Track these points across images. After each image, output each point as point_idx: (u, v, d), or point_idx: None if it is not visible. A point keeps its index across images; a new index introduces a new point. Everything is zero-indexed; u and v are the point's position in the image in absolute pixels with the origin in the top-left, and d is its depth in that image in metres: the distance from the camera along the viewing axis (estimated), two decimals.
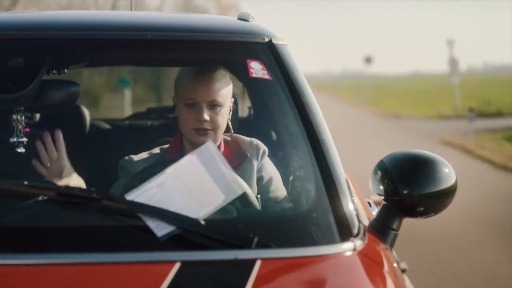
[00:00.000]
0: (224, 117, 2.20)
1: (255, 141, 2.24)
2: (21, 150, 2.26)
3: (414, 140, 16.66)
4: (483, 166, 11.56)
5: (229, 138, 2.25)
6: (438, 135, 16.84)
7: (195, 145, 2.14)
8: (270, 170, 2.19)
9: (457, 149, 13.96)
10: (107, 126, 3.73)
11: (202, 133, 2.17)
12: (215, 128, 2.18)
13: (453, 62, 26.00)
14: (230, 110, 2.25)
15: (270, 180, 2.17)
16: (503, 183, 10.00)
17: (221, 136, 2.22)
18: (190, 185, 1.78)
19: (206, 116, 2.16)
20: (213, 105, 2.18)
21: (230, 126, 2.25)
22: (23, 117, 2.28)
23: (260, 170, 2.18)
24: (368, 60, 43.10)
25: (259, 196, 2.13)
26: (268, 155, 2.24)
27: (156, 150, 2.24)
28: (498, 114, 22.53)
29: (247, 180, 2.13)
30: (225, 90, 2.21)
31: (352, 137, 16.21)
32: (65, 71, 2.69)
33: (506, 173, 10.77)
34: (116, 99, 14.86)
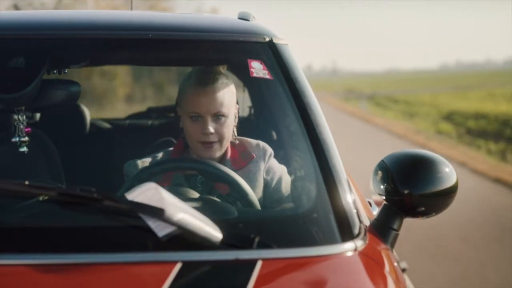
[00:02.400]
0: (229, 127, 2.19)
1: (262, 143, 2.24)
2: (23, 149, 2.26)
3: None
4: (330, 107, 31.40)
5: (236, 141, 2.24)
6: (322, 98, 38.41)
7: (201, 156, 2.15)
8: (278, 169, 2.19)
9: (324, 102, 34.51)
10: (107, 125, 3.73)
11: (208, 146, 2.16)
12: (220, 140, 2.18)
13: (334, 71, 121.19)
14: (236, 117, 2.25)
15: (280, 179, 2.17)
16: (338, 112, 27.55)
17: (227, 145, 2.22)
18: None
19: (211, 129, 2.15)
20: (218, 116, 2.17)
21: (235, 132, 2.25)
22: (24, 117, 2.27)
23: (268, 171, 2.18)
24: (308, 68, 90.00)
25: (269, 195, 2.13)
26: None
27: (160, 154, 2.24)
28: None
29: (253, 181, 2.13)
30: (229, 99, 2.20)
31: None
32: (66, 71, 2.69)
33: (337, 109, 30.66)
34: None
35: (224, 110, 2.17)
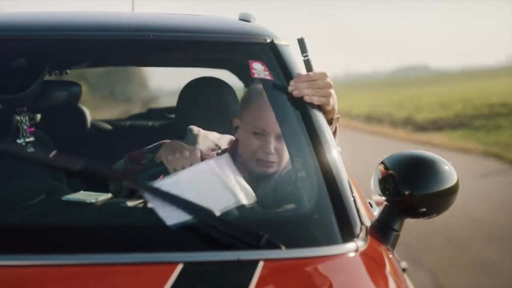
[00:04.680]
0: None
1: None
2: (30, 150, 2.26)
3: None
4: None
5: None
6: None
7: (253, 172, 2.13)
8: None
9: None
10: (108, 126, 3.73)
11: (266, 165, 2.14)
12: (279, 161, 2.16)
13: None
14: None
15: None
16: None
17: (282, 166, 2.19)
18: (203, 186, 1.77)
19: (273, 149, 2.14)
20: (281, 137, 2.13)
21: None
22: (27, 118, 2.27)
23: None
24: None
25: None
26: None
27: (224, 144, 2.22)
28: None
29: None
30: None
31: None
32: (67, 72, 2.69)
33: None
34: None
35: None
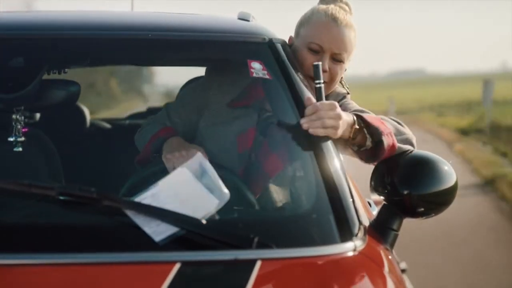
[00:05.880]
0: (341, 73, 2.18)
1: (338, 88, 2.24)
2: (18, 149, 2.25)
3: None
4: None
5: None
6: None
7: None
8: (352, 106, 2.18)
9: None
10: (107, 125, 3.73)
11: None
12: (330, 81, 2.15)
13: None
14: (345, 70, 2.23)
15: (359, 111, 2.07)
16: None
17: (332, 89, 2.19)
18: (182, 194, 1.76)
19: (327, 67, 2.13)
20: (337, 58, 2.15)
21: (347, 86, 2.24)
22: (23, 117, 2.27)
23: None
24: None
25: None
26: None
27: None
28: None
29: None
30: (351, 48, 2.18)
31: None
32: (66, 71, 2.69)
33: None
34: None
35: (344, 55, 2.16)
